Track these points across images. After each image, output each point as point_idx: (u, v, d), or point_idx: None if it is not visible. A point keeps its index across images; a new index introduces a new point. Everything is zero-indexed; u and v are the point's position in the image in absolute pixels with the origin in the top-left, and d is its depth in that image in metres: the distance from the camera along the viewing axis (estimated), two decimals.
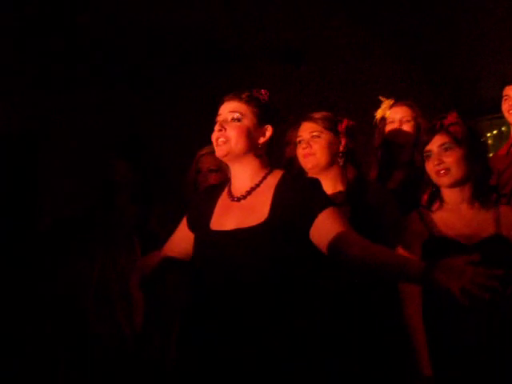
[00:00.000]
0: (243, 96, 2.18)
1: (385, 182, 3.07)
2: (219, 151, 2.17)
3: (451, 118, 2.44)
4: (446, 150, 2.40)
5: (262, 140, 2.18)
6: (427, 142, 2.44)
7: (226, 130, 2.15)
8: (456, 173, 2.39)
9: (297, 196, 2.08)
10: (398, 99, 3.27)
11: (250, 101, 2.18)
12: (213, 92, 2.26)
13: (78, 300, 2.74)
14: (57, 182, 3.93)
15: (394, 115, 3.21)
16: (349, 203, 2.57)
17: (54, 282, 2.79)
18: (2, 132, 3.85)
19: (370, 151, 3.26)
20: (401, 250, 2.40)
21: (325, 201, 2.09)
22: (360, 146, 2.73)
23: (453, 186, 2.42)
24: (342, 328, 2.24)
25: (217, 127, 2.18)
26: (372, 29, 4.43)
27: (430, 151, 2.43)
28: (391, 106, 3.24)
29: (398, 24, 4.36)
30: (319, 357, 2.04)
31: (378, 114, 3.29)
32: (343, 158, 2.62)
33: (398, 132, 3.18)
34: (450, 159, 2.39)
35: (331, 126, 2.62)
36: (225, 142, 2.15)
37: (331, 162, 2.61)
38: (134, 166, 3.02)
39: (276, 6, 4.12)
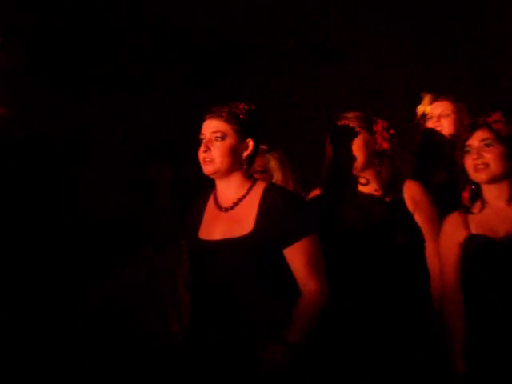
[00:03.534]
0: (223, 114, 2.28)
1: (425, 181, 3.02)
2: (206, 170, 2.29)
3: (495, 116, 2.41)
4: (487, 145, 2.37)
5: (245, 154, 2.30)
6: (468, 137, 2.41)
7: (210, 150, 2.27)
8: (494, 169, 2.36)
9: (280, 213, 2.20)
10: (440, 94, 3.19)
11: (231, 118, 2.27)
12: (253, 93, 2.29)
13: (127, 299, 2.81)
14: (94, 184, 3.97)
15: (433, 110, 3.14)
16: (384, 202, 2.60)
17: (104, 281, 2.86)
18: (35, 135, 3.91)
19: (410, 150, 3.22)
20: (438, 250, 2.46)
21: (304, 228, 2.21)
22: (398, 146, 2.70)
23: (490, 182, 2.39)
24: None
25: (202, 148, 2.30)
26: (412, 27, 4.37)
27: (470, 146, 2.40)
28: (432, 102, 3.18)
29: (439, 22, 4.30)
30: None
31: (419, 110, 3.23)
32: (378, 158, 2.63)
33: (436, 127, 3.12)
34: (490, 155, 2.36)
35: (367, 126, 2.62)
36: (211, 162, 2.26)
37: (367, 162, 2.61)
38: (174, 168, 3.05)
39: (317, 5, 4.11)
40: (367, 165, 2.61)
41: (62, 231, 3.39)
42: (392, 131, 2.66)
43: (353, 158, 2.60)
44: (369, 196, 2.60)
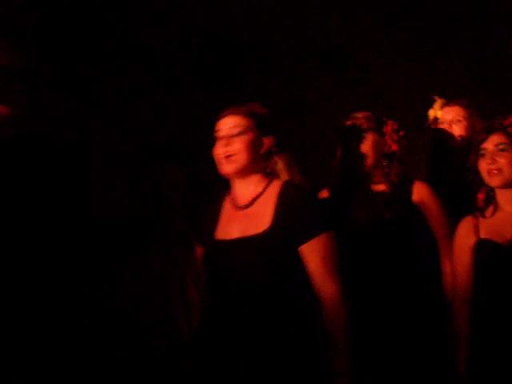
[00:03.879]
0: (241, 111, 2.26)
1: (436, 184, 3.01)
2: (228, 168, 2.24)
3: None
4: (502, 150, 2.35)
5: (262, 151, 2.28)
6: (483, 140, 2.39)
7: (231, 144, 2.22)
8: (508, 174, 2.34)
9: (298, 209, 2.17)
10: (452, 98, 3.17)
11: (249, 114, 2.25)
12: (253, 93, 2.28)
13: (133, 300, 2.81)
14: (94, 184, 3.96)
15: (445, 116, 3.12)
16: (392, 203, 2.62)
17: (106, 282, 2.87)
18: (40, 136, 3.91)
19: (420, 152, 3.20)
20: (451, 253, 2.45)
21: (321, 224, 2.17)
22: (406, 147, 2.70)
23: (503, 187, 2.38)
24: None
25: (222, 142, 2.24)
26: (412, 27, 4.37)
27: (484, 149, 2.38)
28: (443, 106, 3.15)
29: (439, 22, 4.30)
30: (307, 356, 2.14)
31: (431, 114, 3.20)
32: (387, 160, 2.63)
33: (447, 133, 3.10)
34: (504, 160, 2.34)
35: (377, 127, 2.61)
36: (233, 158, 2.22)
37: (376, 163, 2.62)
38: (183, 170, 3.06)
39: (317, 5, 4.11)
40: (376, 166, 2.63)
41: (63, 231, 3.39)
42: (401, 133, 2.66)
43: (362, 159, 2.61)
44: (377, 197, 2.60)
